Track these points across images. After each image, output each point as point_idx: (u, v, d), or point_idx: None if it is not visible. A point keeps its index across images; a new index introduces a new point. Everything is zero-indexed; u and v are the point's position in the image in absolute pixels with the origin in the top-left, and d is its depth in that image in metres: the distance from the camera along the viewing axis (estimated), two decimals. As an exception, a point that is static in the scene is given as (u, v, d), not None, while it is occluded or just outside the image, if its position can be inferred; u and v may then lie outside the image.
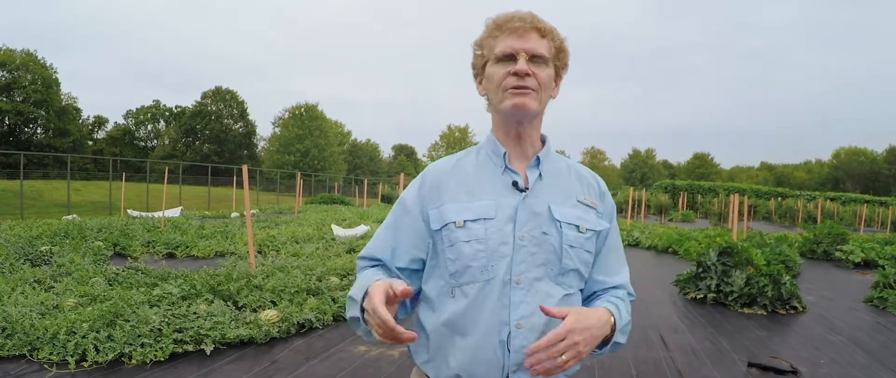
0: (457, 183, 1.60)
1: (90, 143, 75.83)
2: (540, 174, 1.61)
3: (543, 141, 1.67)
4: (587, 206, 1.63)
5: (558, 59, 1.60)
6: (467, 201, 1.56)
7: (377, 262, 1.66)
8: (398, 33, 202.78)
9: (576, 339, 1.33)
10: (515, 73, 1.51)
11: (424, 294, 1.63)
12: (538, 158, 1.62)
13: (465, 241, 1.51)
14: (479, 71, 1.64)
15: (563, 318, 1.35)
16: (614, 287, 1.69)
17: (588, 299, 1.68)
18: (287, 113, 79.59)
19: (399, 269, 1.63)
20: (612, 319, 1.51)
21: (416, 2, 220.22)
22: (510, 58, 1.53)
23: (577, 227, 1.57)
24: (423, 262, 1.64)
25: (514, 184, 1.57)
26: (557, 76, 1.63)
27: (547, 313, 1.37)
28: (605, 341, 1.50)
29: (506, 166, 1.60)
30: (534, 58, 1.53)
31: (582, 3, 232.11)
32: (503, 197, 1.56)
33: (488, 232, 1.51)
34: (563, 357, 1.32)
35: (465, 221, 1.53)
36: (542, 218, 1.55)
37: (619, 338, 1.54)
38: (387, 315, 1.29)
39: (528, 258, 1.51)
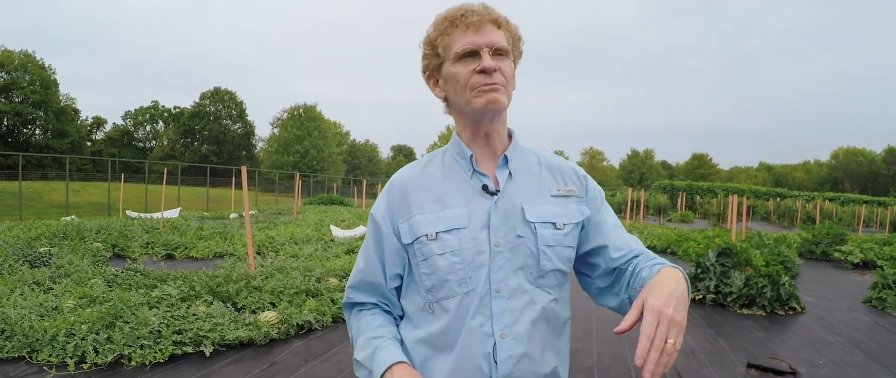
0: (425, 191, 1.52)
1: (89, 144, 75.89)
2: (510, 173, 1.52)
3: (510, 136, 1.59)
4: (563, 196, 1.54)
5: (516, 50, 1.52)
6: (438, 211, 1.48)
7: (374, 304, 1.60)
8: (397, 33, 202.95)
9: (669, 314, 1.16)
10: (483, 71, 1.42)
11: (403, 311, 1.59)
12: (506, 157, 1.53)
13: (440, 254, 1.44)
14: (434, 72, 1.55)
15: (640, 312, 1.20)
16: (636, 255, 1.53)
17: (612, 274, 1.55)
18: (285, 114, 79.75)
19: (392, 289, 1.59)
20: (678, 270, 1.33)
21: (416, 2, 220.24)
22: (472, 54, 1.43)
23: (554, 224, 1.49)
24: (402, 279, 1.58)
25: (484, 187, 1.50)
26: (515, 67, 1.54)
27: (623, 333, 1.18)
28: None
29: (473, 169, 1.52)
30: (496, 51, 1.44)
31: (581, 3, 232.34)
32: (474, 203, 1.48)
33: (463, 242, 1.44)
34: (670, 340, 1.14)
35: (437, 233, 1.46)
36: (515, 220, 1.47)
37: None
38: None
39: (506, 264, 1.44)
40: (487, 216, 1.47)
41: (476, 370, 1.42)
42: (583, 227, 1.57)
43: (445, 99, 1.56)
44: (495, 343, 1.41)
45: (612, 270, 1.55)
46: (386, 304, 1.60)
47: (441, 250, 1.45)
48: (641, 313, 1.19)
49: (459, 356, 1.43)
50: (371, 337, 1.49)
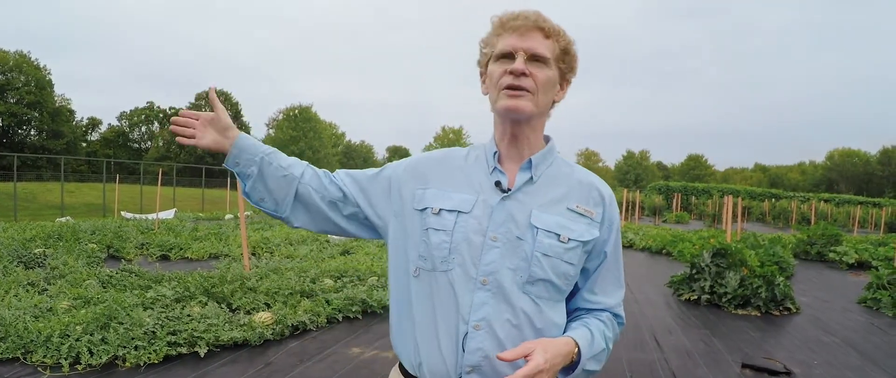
0: (448, 171, 1.60)
1: (84, 144, 75.63)
2: (531, 177, 1.54)
3: (547, 140, 1.62)
4: (579, 213, 1.54)
5: (563, 62, 1.55)
6: (450, 191, 1.55)
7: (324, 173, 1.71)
8: (394, 35, 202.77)
9: (544, 371, 1.32)
10: (511, 72, 1.46)
11: (391, 268, 1.65)
12: (530, 161, 1.55)
13: (436, 229, 1.50)
14: (484, 69, 1.60)
15: (527, 358, 1.32)
16: (600, 309, 1.63)
17: (569, 316, 1.64)
18: (281, 114, 79.66)
19: (343, 191, 1.67)
20: (575, 350, 1.46)
21: (412, 4, 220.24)
22: (509, 56, 1.48)
23: (558, 235, 1.49)
24: (358, 210, 1.67)
25: (497, 184, 1.53)
26: (563, 79, 1.58)
27: (502, 359, 1.32)
28: (573, 364, 1.47)
29: (495, 166, 1.56)
30: (534, 58, 1.48)
31: (577, 4, 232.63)
32: (484, 194, 1.53)
33: (457, 225, 1.49)
34: None
35: (440, 210, 1.52)
36: (520, 222, 1.49)
37: (590, 365, 1.50)
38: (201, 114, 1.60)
39: (498, 260, 1.47)
40: (491, 210, 1.50)
41: (447, 350, 1.47)
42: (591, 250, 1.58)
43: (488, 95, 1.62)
44: (468, 333, 1.45)
45: (571, 311, 1.65)
46: (327, 176, 1.70)
47: (437, 226, 1.51)
48: (524, 354, 1.33)
49: (434, 334, 1.48)
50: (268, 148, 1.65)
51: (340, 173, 1.72)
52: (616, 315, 1.65)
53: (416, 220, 1.56)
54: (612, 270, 1.63)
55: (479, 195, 1.53)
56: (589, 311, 1.63)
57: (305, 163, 1.68)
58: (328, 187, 1.66)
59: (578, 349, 1.47)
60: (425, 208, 1.54)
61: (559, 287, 1.52)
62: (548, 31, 1.50)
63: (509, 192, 1.52)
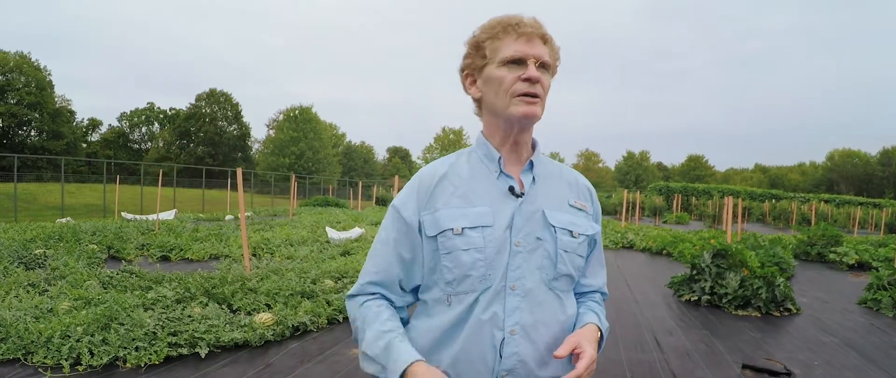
0: (452, 187, 1.57)
1: (84, 145, 75.68)
2: (534, 178, 1.59)
3: (534, 144, 1.65)
4: (578, 209, 1.64)
5: (553, 67, 1.60)
6: (463, 207, 1.53)
7: (381, 295, 1.60)
8: (393, 36, 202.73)
9: (595, 359, 1.49)
10: (527, 79, 1.49)
11: (421, 301, 1.63)
12: (531, 162, 1.60)
13: (464, 250, 1.49)
14: (474, 71, 1.59)
15: (576, 351, 1.48)
16: (593, 291, 1.76)
17: None
18: (281, 115, 79.60)
19: (403, 288, 1.61)
20: (599, 333, 1.61)
21: (413, 5, 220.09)
22: (520, 62, 1.50)
23: (571, 232, 1.58)
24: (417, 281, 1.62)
25: (511, 189, 1.55)
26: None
27: (558, 357, 1.45)
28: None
29: (501, 171, 1.57)
30: (541, 65, 1.52)
31: (577, 4, 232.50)
32: (499, 203, 1.54)
33: (487, 240, 1.50)
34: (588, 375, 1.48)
35: (463, 229, 1.50)
36: (536, 223, 1.54)
37: (602, 344, 1.65)
38: None
39: (524, 264, 1.51)
40: (511, 216, 1.53)
41: (480, 360, 1.48)
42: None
43: (479, 100, 1.62)
44: (504, 338, 1.48)
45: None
46: (389, 295, 1.61)
47: (465, 246, 1.49)
48: (573, 348, 1.48)
49: (470, 346, 1.49)
50: (382, 330, 1.50)
51: (387, 278, 1.59)
52: (603, 293, 1.80)
53: (433, 246, 1.53)
54: (598, 256, 1.76)
55: (494, 204, 1.54)
56: (584, 294, 1.74)
57: (387, 311, 1.56)
58: (399, 304, 1.63)
59: (601, 333, 1.63)
60: (443, 231, 1.51)
61: (574, 278, 1.62)
62: (546, 38, 1.55)
63: (523, 196, 1.56)
